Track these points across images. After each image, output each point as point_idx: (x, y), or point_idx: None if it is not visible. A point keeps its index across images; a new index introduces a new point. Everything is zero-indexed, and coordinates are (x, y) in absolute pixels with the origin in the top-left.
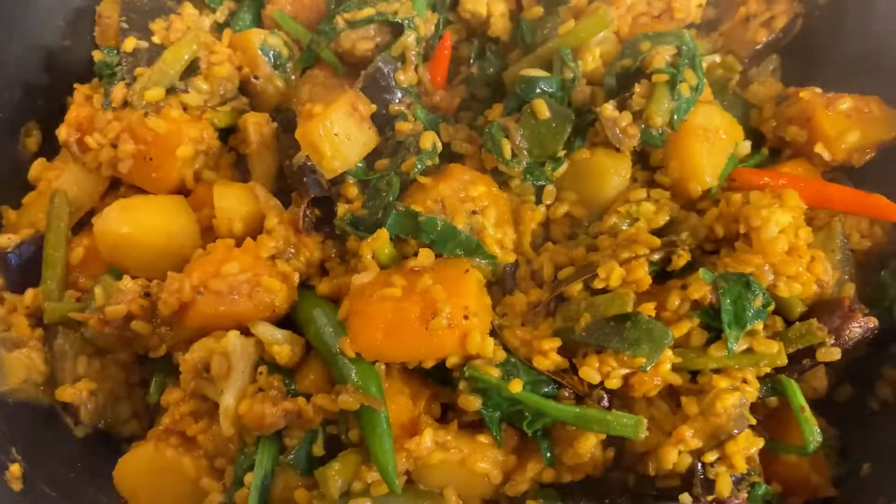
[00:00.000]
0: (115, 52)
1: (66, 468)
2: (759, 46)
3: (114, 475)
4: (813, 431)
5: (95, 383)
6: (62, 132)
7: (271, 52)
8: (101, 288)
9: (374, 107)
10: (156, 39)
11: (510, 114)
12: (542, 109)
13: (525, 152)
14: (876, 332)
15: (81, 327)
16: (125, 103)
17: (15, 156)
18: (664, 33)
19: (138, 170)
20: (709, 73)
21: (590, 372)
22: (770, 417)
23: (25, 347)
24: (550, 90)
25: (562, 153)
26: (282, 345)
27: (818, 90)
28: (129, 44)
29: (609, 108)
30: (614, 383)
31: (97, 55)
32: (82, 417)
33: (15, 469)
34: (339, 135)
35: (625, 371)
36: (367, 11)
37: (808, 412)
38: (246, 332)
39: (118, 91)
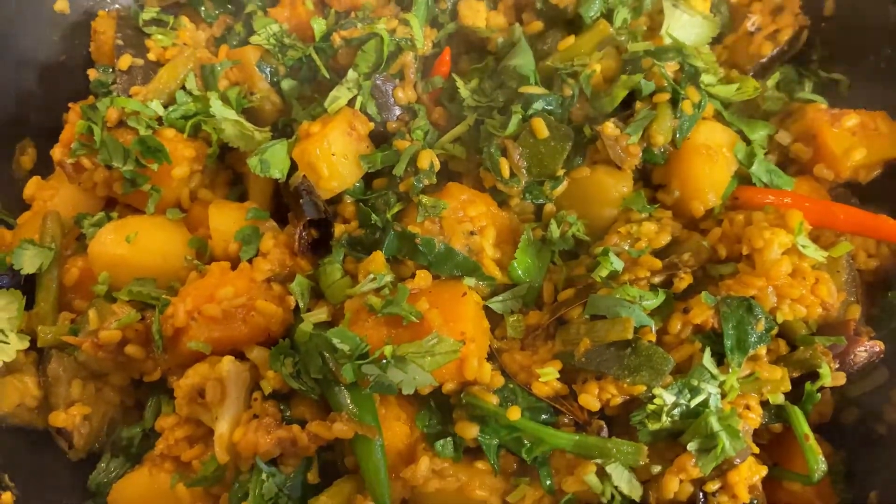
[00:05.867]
0: (111, 70)
1: (60, 493)
2: (763, 60)
3: (108, 501)
4: (818, 460)
5: (89, 407)
6: (56, 152)
7: (268, 69)
8: (95, 310)
9: (371, 125)
10: (151, 56)
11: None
12: (541, 128)
13: (524, 171)
14: (882, 356)
15: (75, 351)
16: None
17: (9, 174)
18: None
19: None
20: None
21: (589, 399)
22: (773, 442)
23: (19, 372)
24: (550, 108)
25: (561, 172)
26: (265, 360)
27: (823, 106)
28: (125, 62)
29: (610, 127)
30: (614, 411)
31: (92, 73)
32: (76, 442)
33: (7, 497)
34: (336, 154)
35: (625, 398)
36: (365, 30)
37: (812, 441)
38: (241, 356)
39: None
